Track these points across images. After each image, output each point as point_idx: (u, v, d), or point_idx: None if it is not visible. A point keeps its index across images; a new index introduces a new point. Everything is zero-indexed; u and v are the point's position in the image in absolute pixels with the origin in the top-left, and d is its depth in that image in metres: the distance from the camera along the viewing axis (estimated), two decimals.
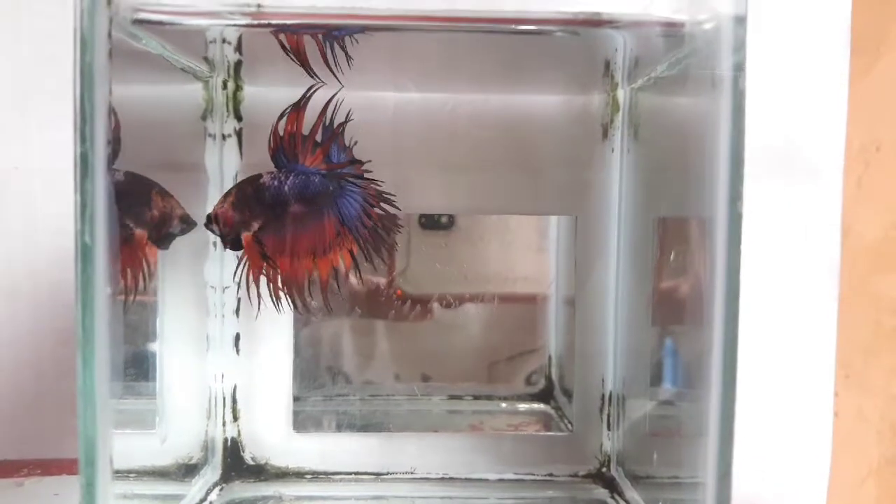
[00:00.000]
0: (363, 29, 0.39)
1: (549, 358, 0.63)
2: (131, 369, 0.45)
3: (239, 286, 0.45)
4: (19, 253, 0.59)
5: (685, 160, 0.38)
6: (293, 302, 0.45)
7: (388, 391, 0.61)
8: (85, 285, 0.30)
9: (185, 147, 0.48)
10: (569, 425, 0.56)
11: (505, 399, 0.63)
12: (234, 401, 0.51)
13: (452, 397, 0.62)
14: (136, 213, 0.41)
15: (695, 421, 0.35)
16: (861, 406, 0.61)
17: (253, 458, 0.52)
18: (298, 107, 0.43)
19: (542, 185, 0.51)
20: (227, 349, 0.51)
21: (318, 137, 0.44)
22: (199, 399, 0.50)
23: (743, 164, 0.32)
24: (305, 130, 0.44)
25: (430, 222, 0.61)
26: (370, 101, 0.50)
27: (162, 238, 0.44)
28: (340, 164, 0.45)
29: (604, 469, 0.53)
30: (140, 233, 0.42)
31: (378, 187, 0.46)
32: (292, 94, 0.47)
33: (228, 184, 0.50)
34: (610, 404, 0.52)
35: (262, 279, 0.44)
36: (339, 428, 0.57)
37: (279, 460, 0.52)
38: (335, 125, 0.44)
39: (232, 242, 0.45)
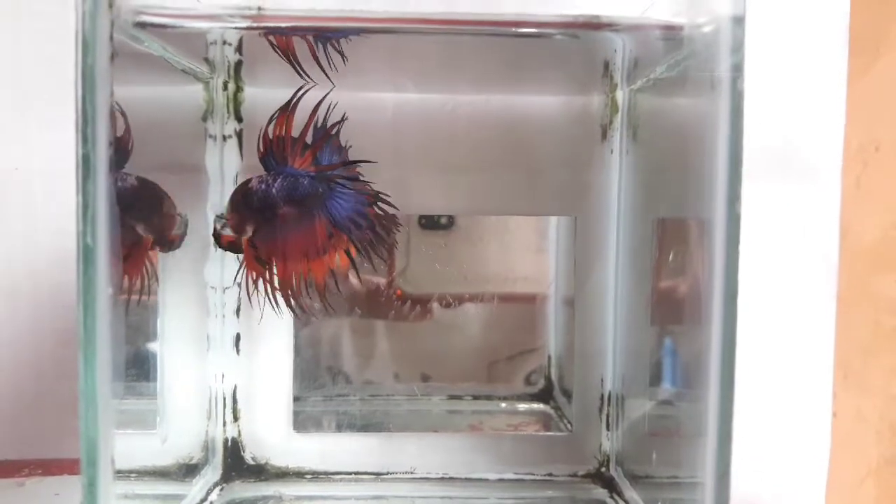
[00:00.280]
0: (359, 31, 0.39)
1: (549, 358, 0.63)
2: (132, 369, 0.45)
3: (240, 288, 0.46)
4: (20, 253, 0.59)
5: (684, 161, 0.38)
6: (288, 305, 0.45)
7: (388, 391, 0.61)
8: (86, 286, 0.30)
9: (185, 148, 0.48)
10: (568, 425, 0.56)
11: (504, 399, 0.63)
12: (235, 401, 0.52)
13: (452, 397, 0.62)
14: (145, 218, 0.42)
15: (693, 421, 0.35)
16: (860, 406, 0.61)
17: (253, 458, 0.52)
18: (287, 109, 0.43)
19: (542, 185, 0.51)
20: (227, 349, 0.51)
21: (309, 139, 0.44)
22: (200, 399, 0.50)
23: (741, 166, 0.32)
24: (297, 133, 0.44)
25: (430, 222, 0.61)
26: (369, 102, 0.50)
27: (166, 242, 0.44)
28: (331, 165, 0.45)
29: (603, 469, 0.53)
30: (146, 237, 0.42)
31: (373, 187, 0.46)
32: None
33: (229, 185, 0.50)
34: (609, 404, 0.53)
35: (260, 282, 0.45)
36: (340, 428, 0.57)
37: (279, 460, 0.52)
38: (328, 126, 0.44)
39: (230, 245, 0.45)
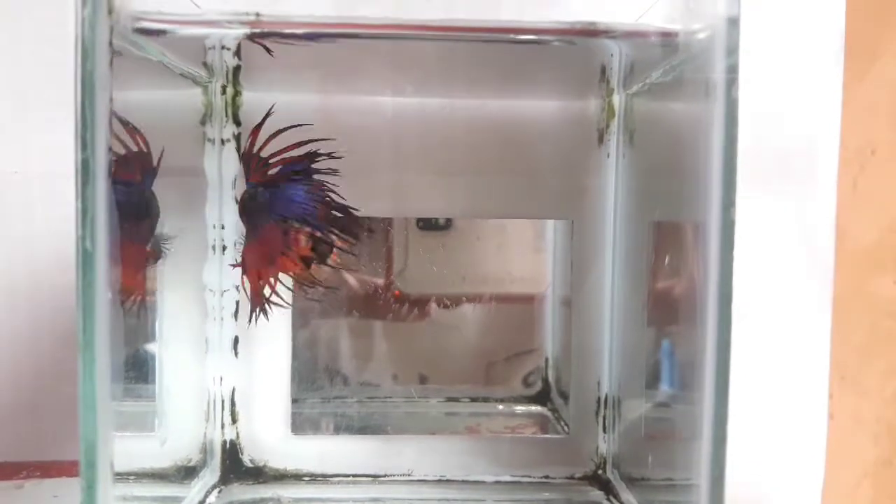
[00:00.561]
0: (358, 38, 0.39)
1: (546, 360, 0.63)
2: (131, 372, 0.45)
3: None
4: (19, 256, 0.59)
5: (680, 165, 0.38)
6: (262, 310, 0.47)
7: (386, 393, 0.61)
8: (86, 290, 0.30)
9: (184, 152, 0.48)
10: (565, 427, 0.56)
11: (502, 401, 0.63)
12: (233, 403, 0.52)
13: (450, 399, 0.62)
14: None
15: (689, 423, 0.35)
16: (856, 408, 0.61)
17: (251, 461, 0.52)
18: (257, 126, 0.46)
19: (539, 189, 0.52)
20: (225, 352, 0.51)
21: (264, 153, 0.46)
22: (198, 402, 0.50)
23: (736, 172, 0.32)
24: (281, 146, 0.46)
25: (428, 224, 0.61)
26: (368, 105, 0.50)
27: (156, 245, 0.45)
28: (276, 175, 0.46)
29: (599, 471, 0.53)
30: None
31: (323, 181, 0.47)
32: (291, 99, 0.48)
33: (227, 188, 0.50)
34: (606, 407, 0.53)
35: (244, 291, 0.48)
36: (337, 430, 0.57)
37: (277, 462, 0.52)
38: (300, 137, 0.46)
39: None
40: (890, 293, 0.60)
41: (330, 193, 0.46)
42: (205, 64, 0.47)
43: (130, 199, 0.40)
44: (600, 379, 0.53)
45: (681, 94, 0.39)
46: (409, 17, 0.37)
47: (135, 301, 0.41)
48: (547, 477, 0.53)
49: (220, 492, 0.51)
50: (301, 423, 0.54)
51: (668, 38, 0.38)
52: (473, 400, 0.62)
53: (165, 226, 0.44)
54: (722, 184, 0.32)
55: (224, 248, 0.50)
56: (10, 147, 0.59)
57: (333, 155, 0.46)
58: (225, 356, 0.51)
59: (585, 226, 0.52)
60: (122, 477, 0.36)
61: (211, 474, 0.51)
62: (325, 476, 0.52)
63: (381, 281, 0.61)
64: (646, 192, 0.47)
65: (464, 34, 0.38)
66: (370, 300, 0.61)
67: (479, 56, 0.46)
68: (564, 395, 0.59)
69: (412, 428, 0.59)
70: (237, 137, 0.50)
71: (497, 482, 0.52)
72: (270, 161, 0.46)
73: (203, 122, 0.49)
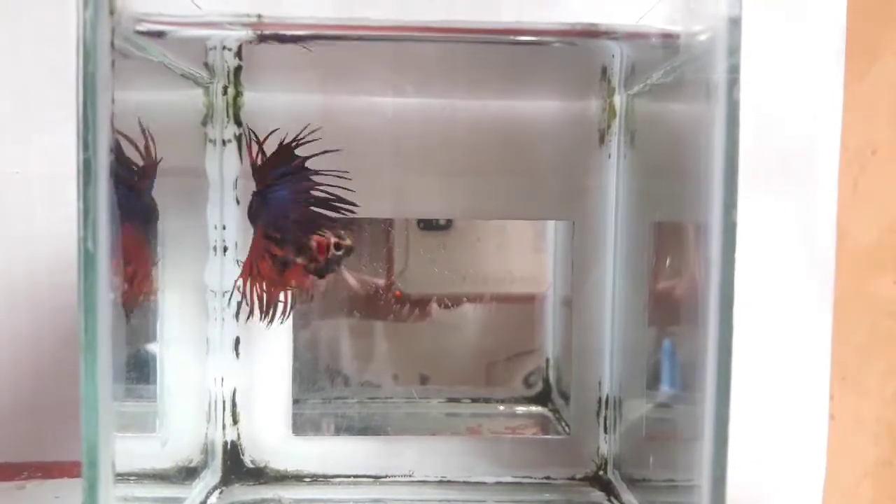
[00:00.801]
0: (359, 39, 0.39)
1: (547, 360, 0.63)
2: (132, 372, 0.45)
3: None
4: (19, 257, 0.59)
5: (681, 166, 0.38)
6: (251, 313, 0.47)
7: (387, 394, 0.61)
8: (88, 291, 0.30)
9: (185, 152, 0.48)
10: (566, 428, 0.56)
11: (503, 402, 0.63)
12: (234, 404, 0.52)
13: (451, 400, 0.62)
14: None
15: (690, 424, 0.35)
16: (857, 408, 0.61)
17: (252, 461, 0.52)
18: (259, 140, 0.46)
19: (540, 190, 0.52)
20: (226, 353, 0.51)
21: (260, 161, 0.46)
22: (200, 402, 0.50)
23: (737, 173, 0.32)
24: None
25: (429, 224, 0.61)
26: (369, 106, 0.50)
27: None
28: (269, 183, 0.46)
29: (601, 472, 0.53)
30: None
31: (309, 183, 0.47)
32: (292, 99, 0.48)
33: (228, 188, 0.50)
34: (607, 407, 0.53)
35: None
36: (338, 431, 0.57)
37: (278, 463, 0.52)
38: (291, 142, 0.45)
39: None
40: (890, 293, 0.60)
41: (313, 197, 0.46)
42: (206, 65, 0.47)
43: (132, 202, 0.40)
44: (601, 379, 0.53)
45: (682, 95, 0.39)
46: (410, 18, 0.37)
47: (135, 302, 0.41)
48: (548, 478, 0.53)
49: (221, 492, 0.51)
50: (302, 424, 0.54)
51: (669, 38, 0.38)
52: (474, 400, 0.62)
53: (166, 226, 0.44)
54: (723, 184, 0.32)
55: (225, 248, 0.50)
56: (11, 147, 0.59)
57: (316, 155, 0.46)
58: (226, 357, 0.51)
59: (586, 226, 0.52)
60: (123, 477, 0.36)
61: (212, 475, 0.51)
62: (326, 477, 0.52)
63: (381, 281, 0.61)
64: (647, 193, 0.48)
65: (465, 35, 0.38)
66: (371, 300, 0.61)
67: (480, 57, 0.46)
68: (565, 396, 0.59)
69: (413, 428, 0.59)
70: (238, 138, 0.50)
71: (498, 483, 0.52)
72: (263, 170, 0.46)
73: (204, 123, 0.49)
